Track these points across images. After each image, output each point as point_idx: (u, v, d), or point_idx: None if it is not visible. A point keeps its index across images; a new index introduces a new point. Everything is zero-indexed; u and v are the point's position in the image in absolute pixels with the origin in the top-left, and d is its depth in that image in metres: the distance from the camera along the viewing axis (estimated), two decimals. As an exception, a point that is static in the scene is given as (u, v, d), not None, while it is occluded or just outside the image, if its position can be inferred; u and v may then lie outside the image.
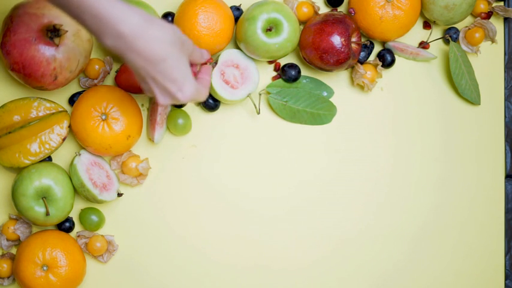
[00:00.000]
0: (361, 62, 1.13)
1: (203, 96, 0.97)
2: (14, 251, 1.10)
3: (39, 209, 1.04)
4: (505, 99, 1.16)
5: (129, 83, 1.08)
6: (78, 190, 1.07)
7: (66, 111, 1.08)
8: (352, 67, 1.13)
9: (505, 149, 1.16)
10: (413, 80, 1.15)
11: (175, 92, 0.91)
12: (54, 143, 1.07)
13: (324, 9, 1.14)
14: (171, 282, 1.12)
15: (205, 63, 1.02)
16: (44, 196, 1.05)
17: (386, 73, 1.14)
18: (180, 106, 1.11)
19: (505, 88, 1.17)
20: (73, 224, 1.10)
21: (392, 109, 1.15)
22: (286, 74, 1.11)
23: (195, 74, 1.00)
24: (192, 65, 0.99)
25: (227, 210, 1.13)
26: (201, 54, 0.98)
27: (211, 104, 1.11)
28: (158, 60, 0.87)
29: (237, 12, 1.11)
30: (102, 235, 1.10)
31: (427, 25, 1.15)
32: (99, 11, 0.83)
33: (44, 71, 1.02)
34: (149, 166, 1.09)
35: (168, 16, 1.10)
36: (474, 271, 1.15)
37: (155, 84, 0.91)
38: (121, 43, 0.85)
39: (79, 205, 1.11)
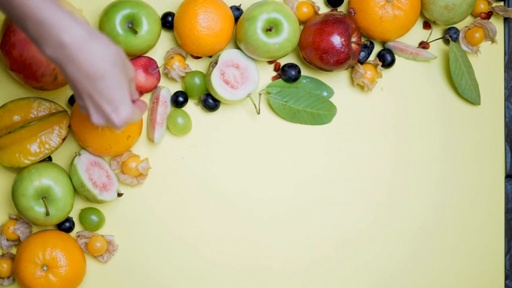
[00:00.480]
0: (361, 62, 1.13)
1: (136, 121, 0.93)
2: (14, 251, 1.10)
3: (39, 209, 1.04)
4: (505, 99, 1.16)
5: (129, 83, 1.09)
6: (78, 190, 1.07)
7: (66, 111, 1.08)
8: (352, 67, 1.13)
9: (505, 149, 1.16)
10: (413, 80, 1.15)
11: (109, 113, 0.88)
12: (54, 143, 1.07)
13: (324, 9, 1.14)
14: (171, 283, 1.12)
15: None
16: (44, 196, 1.05)
17: (386, 73, 1.14)
18: (181, 106, 1.11)
19: (505, 88, 1.17)
20: (73, 224, 1.10)
21: (392, 109, 1.15)
22: (286, 74, 1.11)
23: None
24: None
25: (227, 210, 1.13)
26: (135, 89, 0.94)
27: (211, 104, 1.11)
28: (97, 76, 0.84)
29: (237, 12, 1.11)
30: (102, 235, 1.10)
31: (427, 25, 1.15)
32: (42, 17, 0.80)
33: (44, 71, 1.02)
34: (149, 166, 1.09)
35: (168, 16, 1.10)
36: (474, 271, 1.15)
37: (91, 102, 0.87)
38: (61, 54, 0.82)
39: (79, 205, 1.11)
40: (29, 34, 0.83)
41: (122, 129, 0.92)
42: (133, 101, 0.94)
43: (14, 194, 1.05)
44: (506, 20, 1.16)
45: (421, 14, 1.14)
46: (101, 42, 0.84)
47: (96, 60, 0.83)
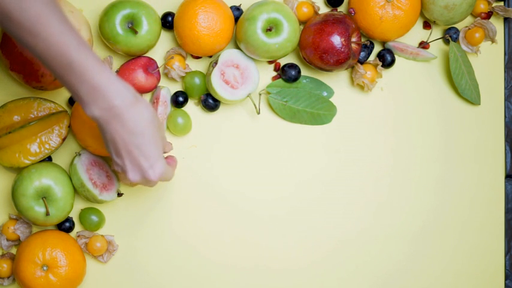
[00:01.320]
0: (361, 62, 1.13)
1: (170, 178, 1.00)
2: (14, 251, 1.10)
3: (39, 209, 1.04)
4: (505, 99, 1.16)
5: (129, 83, 1.08)
6: (78, 190, 1.07)
7: (66, 111, 1.08)
8: (352, 67, 1.13)
9: (505, 149, 1.16)
10: (413, 80, 1.15)
11: (146, 169, 0.95)
12: (54, 143, 1.07)
13: (324, 9, 1.14)
14: (171, 283, 1.12)
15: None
16: (44, 196, 1.05)
17: (386, 73, 1.14)
18: (181, 106, 1.11)
19: (505, 88, 1.17)
20: (73, 224, 1.10)
21: (392, 109, 1.15)
22: (286, 74, 1.11)
23: None
24: None
25: (227, 210, 1.13)
26: (168, 144, 1.02)
27: (211, 104, 1.11)
28: (138, 133, 0.92)
29: (237, 12, 1.11)
30: (102, 235, 1.10)
31: (427, 25, 1.15)
32: (98, 83, 0.88)
33: (44, 71, 1.02)
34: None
35: (168, 16, 1.10)
36: (474, 271, 1.15)
37: (129, 158, 0.94)
38: (109, 114, 0.90)
39: (79, 205, 1.11)
40: (78, 95, 0.89)
41: (153, 186, 0.99)
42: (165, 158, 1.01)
43: (14, 194, 1.05)
44: (506, 20, 1.16)
45: (421, 14, 1.14)
46: (143, 104, 0.92)
47: (139, 118, 0.92)
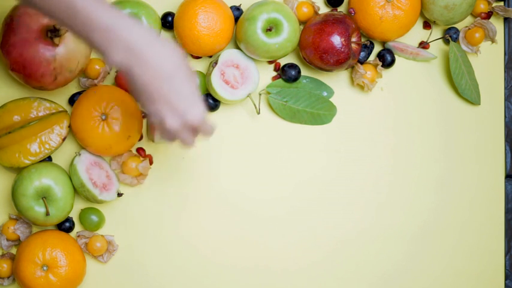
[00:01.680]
0: (361, 62, 1.13)
1: (211, 131, 0.92)
2: (14, 251, 1.10)
3: (39, 209, 1.04)
4: (505, 99, 1.16)
5: (129, 83, 1.08)
6: (78, 190, 1.07)
7: (66, 111, 1.08)
8: (352, 67, 1.13)
9: (505, 149, 1.16)
10: (413, 80, 1.15)
11: (185, 110, 0.87)
12: (54, 143, 1.07)
13: (324, 9, 1.14)
14: (171, 283, 1.12)
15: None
16: (44, 196, 1.05)
17: (386, 73, 1.14)
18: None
19: (505, 88, 1.17)
20: (73, 224, 1.10)
21: (393, 109, 1.15)
22: (286, 74, 1.11)
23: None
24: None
25: (227, 210, 1.13)
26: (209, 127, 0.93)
27: (211, 104, 1.11)
28: (168, 75, 0.85)
29: (237, 12, 1.11)
30: (102, 235, 1.10)
31: (427, 25, 1.15)
32: (108, 24, 0.82)
33: (44, 71, 1.02)
34: (149, 166, 1.09)
35: (168, 16, 1.10)
36: (474, 271, 1.15)
37: (164, 102, 0.87)
38: (130, 56, 0.83)
39: (79, 205, 1.11)
40: (96, 45, 0.84)
41: (189, 143, 0.90)
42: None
43: (14, 194, 1.05)
44: (506, 20, 1.16)
45: (421, 14, 1.14)
46: (166, 44, 0.85)
47: (164, 60, 0.85)
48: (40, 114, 1.06)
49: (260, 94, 1.12)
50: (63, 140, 1.07)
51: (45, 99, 1.07)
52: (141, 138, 1.11)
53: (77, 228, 1.11)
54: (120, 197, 1.10)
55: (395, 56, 1.14)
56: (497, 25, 1.16)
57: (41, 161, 1.07)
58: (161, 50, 0.85)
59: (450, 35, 1.14)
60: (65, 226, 1.09)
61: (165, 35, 1.12)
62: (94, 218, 1.09)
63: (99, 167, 1.08)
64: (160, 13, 1.11)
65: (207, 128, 0.91)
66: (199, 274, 1.12)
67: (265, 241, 1.13)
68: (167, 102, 0.87)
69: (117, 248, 1.10)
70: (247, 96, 1.09)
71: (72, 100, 1.10)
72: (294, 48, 1.09)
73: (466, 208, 1.15)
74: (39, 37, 1.00)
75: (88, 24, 0.82)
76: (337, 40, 1.06)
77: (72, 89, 1.11)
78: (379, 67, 1.12)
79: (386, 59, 1.13)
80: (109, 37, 0.83)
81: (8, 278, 1.09)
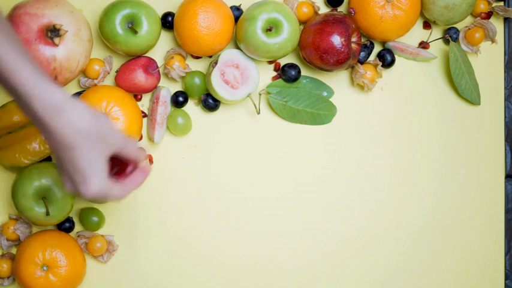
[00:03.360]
0: (361, 62, 1.13)
1: (117, 196, 0.89)
2: (14, 251, 1.10)
3: (39, 209, 1.04)
4: (505, 99, 1.16)
5: (129, 83, 1.09)
6: (78, 190, 1.07)
7: (66, 111, 1.08)
8: (352, 67, 1.13)
9: (505, 149, 1.16)
10: (413, 80, 1.15)
11: (78, 183, 0.85)
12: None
13: (324, 9, 1.14)
14: (171, 283, 1.12)
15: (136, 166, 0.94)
16: (44, 196, 1.05)
17: (386, 73, 1.14)
18: (181, 106, 1.11)
19: (505, 88, 1.17)
20: (73, 224, 1.10)
21: (393, 109, 1.15)
22: (286, 74, 1.11)
23: (126, 173, 0.93)
24: (126, 164, 0.93)
25: (227, 210, 1.13)
26: (136, 151, 0.91)
27: (211, 104, 1.11)
28: (67, 146, 0.83)
29: (237, 12, 1.11)
30: (102, 235, 1.10)
31: (427, 25, 1.15)
32: (24, 91, 0.80)
33: (44, 71, 1.02)
34: (149, 166, 1.09)
35: (168, 16, 1.10)
36: (474, 271, 1.15)
37: (63, 172, 0.86)
38: (35, 122, 0.82)
39: (79, 205, 1.11)
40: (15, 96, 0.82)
41: (101, 201, 0.89)
42: (132, 170, 0.91)
43: (14, 194, 1.05)
44: (506, 20, 1.16)
45: (421, 14, 1.14)
46: (73, 111, 0.82)
47: (66, 130, 0.82)
48: (40, 114, 1.06)
49: (260, 94, 1.12)
50: (63, 140, 1.07)
51: (45, 99, 1.07)
52: (141, 138, 1.11)
53: (77, 228, 1.11)
54: (120, 197, 1.10)
55: (395, 56, 1.14)
56: (497, 25, 1.16)
57: (41, 161, 1.07)
58: (65, 118, 0.82)
59: (450, 35, 1.14)
60: (65, 226, 1.09)
61: (165, 35, 1.12)
62: (94, 218, 1.09)
63: (99, 167, 1.08)
64: (160, 13, 1.11)
65: (112, 197, 0.88)
66: (199, 274, 1.12)
67: (265, 241, 1.13)
68: (64, 171, 0.86)
69: (117, 248, 1.10)
70: (247, 96, 1.09)
71: (72, 100, 1.10)
72: (294, 48, 1.09)
73: (466, 208, 1.15)
74: (39, 37, 1.01)
75: (10, 81, 0.80)
76: (337, 40, 1.06)
77: (72, 89, 1.11)
78: (379, 67, 1.12)
79: (386, 59, 1.13)
80: (21, 101, 0.81)
81: (8, 278, 1.09)
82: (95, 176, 0.85)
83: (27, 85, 0.80)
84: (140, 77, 1.09)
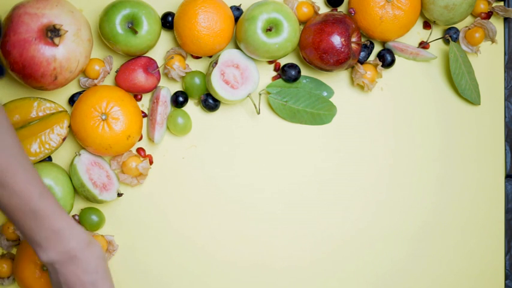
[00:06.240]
0: (361, 62, 1.13)
1: None
2: (14, 251, 1.10)
3: (39, 209, 1.04)
4: (505, 99, 1.16)
5: (129, 83, 1.09)
6: (78, 190, 1.07)
7: (66, 111, 1.08)
8: (352, 67, 1.13)
9: (505, 149, 1.16)
10: (413, 80, 1.15)
11: None
12: (54, 143, 1.07)
13: (324, 9, 1.14)
14: (171, 282, 1.12)
15: None
16: (44, 196, 1.04)
17: (386, 73, 1.14)
18: (181, 106, 1.11)
19: (505, 88, 1.17)
20: (73, 224, 1.10)
21: (392, 109, 1.15)
22: (286, 74, 1.11)
23: None
24: None
25: (227, 209, 1.13)
26: None
27: (211, 104, 1.11)
28: (93, 271, 0.95)
29: (237, 12, 1.11)
30: (102, 235, 1.10)
31: (427, 25, 1.15)
32: (56, 226, 0.92)
33: (44, 71, 1.02)
34: (149, 166, 1.09)
35: (168, 16, 1.10)
36: (474, 271, 1.15)
37: None
38: (66, 257, 0.93)
39: (79, 205, 1.11)
40: (36, 241, 0.92)
41: None
42: None
43: (14, 194, 1.05)
44: (506, 20, 1.16)
45: (421, 14, 1.14)
46: (96, 244, 0.96)
47: (92, 257, 0.95)
48: (40, 114, 1.06)
49: (260, 94, 1.12)
50: (63, 140, 1.07)
51: (45, 99, 1.07)
52: (141, 138, 1.11)
53: (77, 228, 1.11)
54: (120, 197, 1.10)
55: (395, 56, 1.14)
56: (497, 25, 1.16)
57: (41, 161, 1.07)
58: (91, 249, 0.95)
59: (450, 35, 1.14)
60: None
61: (165, 35, 1.12)
62: (94, 218, 1.09)
63: (99, 167, 1.08)
64: (160, 13, 1.11)
65: None
66: (199, 274, 1.12)
67: (265, 241, 1.13)
68: None
69: (117, 248, 1.10)
70: (247, 96, 1.09)
71: (72, 100, 1.10)
72: (294, 48, 1.09)
73: (466, 208, 1.15)
74: (39, 37, 1.01)
75: (40, 223, 0.91)
76: (337, 40, 1.06)
77: (72, 89, 1.11)
78: (379, 67, 1.12)
79: (386, 59, 1.13)
80: (55, 239, 0.92)
81: (8, 278, 1.09)
82: None
83: (67, 226, 0.93)
84: (140, 77, 1.09)
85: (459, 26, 1.15)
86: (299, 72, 1.12)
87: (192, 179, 1.12)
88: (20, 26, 1.01)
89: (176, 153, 1.12)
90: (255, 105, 1.09)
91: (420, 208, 1.15)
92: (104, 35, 1.06)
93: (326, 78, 1.14)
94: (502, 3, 1.16)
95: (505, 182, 1.16)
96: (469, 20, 1.16)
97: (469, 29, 1.14)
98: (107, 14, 1.05)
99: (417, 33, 1.15)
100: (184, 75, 1.10)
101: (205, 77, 1.10)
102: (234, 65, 1.09)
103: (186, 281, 1.12)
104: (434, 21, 1.13)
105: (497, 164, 1.16)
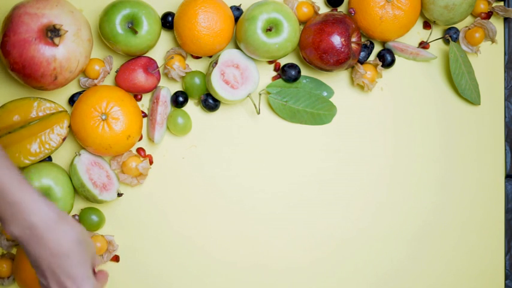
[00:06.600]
0: (361, 62, 1.13)
1: None
2: (14, 251, 1.10)
3: (39, 209, 1.04)
4: (505, 99, 1.16)
5: (129, 83, 1.09)
6: (78, 190, 1.07)
7: (66, 111, 1.08)
8: (352, 67, 1.13)
9: (505, 149, 1.16)
10: (413, 80, 1.15)
11: None
12: (54, 143, 1.07)
13: (324, 9, 1.14)
14: (171, 282, 1.12)
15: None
16: (44, 196, 1.04)
17: (386, 73, 1.14)
18: (181, 106, 1.11)
19: (505, 88, 1.17)
20: (73, 223, 1.10)
21: (392, 109, 1.15)
22: (286, 74, 1.11)
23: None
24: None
25: (227, 209, 1.13)
26: (96, 261, 0.96)
27: (211, 104, 1.11)
28: (62, 254, 0.88)
29: (237, 12, 1.11)
30: (102, 235, 1.10)
31: (427, 25, 1.15)
32: (16, 199, 0.85)
33: (44, 71, 1.02)
34: (149, 166, 1.09)
35: (168, 16, 1.10)
36: (474, 271, 1.15)
37: (53, 279, 0.89)
38: (29, 233, 0.87)
39: (79, 205, 1.11)
40: None
41: None
42: (95, 273, 0.95)
43: (14, 194, 1.05)
44: (506, 20, 1.16)
45: (421, 14, 1.14)
46: (67, 223, 0.88)
47: (63, 239, 0.88)
48: (40, 114, 1.06)
49: (260, 94, 1.12)
50: (63, 140, 1.07)
51: (45, 99, 1.07)
52: (141, 138, 1.11)
53: (77, 228, 1.11)
54: (120, 197, 1.10)
55: (395, 56, 1.14)
56: (497, 25, 1.16)
57: (41, 161, 1.07)
58: (61, 230, 0.88)
59: (450, 35, 1.14)
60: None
61: (165, 35, 1.12)
62: (94, 218, 1.09)
63: (99, 167, 1.08)
64: (160, 13, 1.11)
65: None
66: (199, 274, 1.12)
67: (265, 241, 1.13)
68: (57, 280, 0.89)
69: (117, 248, 1.11)
70: (247, 96, 1.09)
71: (72, 100, 1.10)
72: (294, 48, 1.09)
73: (466, 208, 1.15)
74: (39, 37, 1.01)
75: (6, 198, 0.85)
76: (337, 40, 1.06)
77: (72, 89, 1.11)
78: (379, 67, 1.12)
79: (386, 59, 1.13)
80: (14, 211, 0.86)
81: (8, 278, 1.09)
82: (87, 281, 0.90)
83: (27, 199, 0.86)
84: (140, 77, 1.09)
85: (459, 26, 1.15)
86: (299, 72, 1.12)
87: (192, 179, 1.12)
88: (20, 26, 1.01)
89: (176, 153, 1.12)
90: (255, 105, 1.09)
91: (420, 208, 1.15)
92: (104, 35, 1.06)
93: (326, 78, 1.14)
94: (502, 3, 1.16)
95: (505, 182, 1.16)
96: (469, 20, 1.16)
97: (469, 29, 1.14)
98: (107, 14, 1.05)
99: (417, 33, 1.15)
100: (184, 75, 1.10)
101: (205, 77, 1.10)
102: (234, 65, 1.09)
103: (186, 280, 1.12)
104: (434, 21, 1.13)
105: (497, 164, 1.16)
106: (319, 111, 1.12)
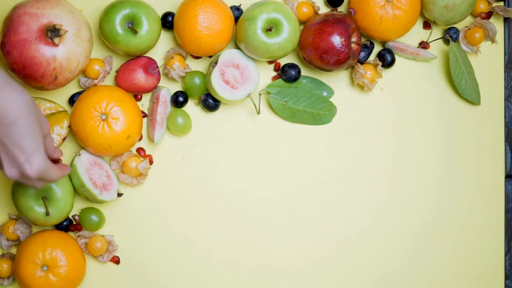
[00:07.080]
0: (361, 62, 1.13)
1: (54, 178, 0.89)
2: (14, 251, 1.10)
3: (39, 209, 1.04)
4: (505, 99, 1.16)
5: (129, 83, 1.09)
6: (78, 190, 1.07)
7: (66, 111, 1.08)
8: (352, 67, 1.13)
9: (505, 149, 1.16)
10: (413, 80, 1.15)
11: (22, 162, 0.85)
12: (54, 143, 1.07)
13: (324, 9, 1.14)
14: (171, 282, 1.12)
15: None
16: (44, 196, 1.05)
17: (386, 73, 1.14)
18: (181, 106, 1.11)
19: (505, 88, 1.17)
20: (70, 222, 1.10)
21: (393, 109, 1.15)
22: (286, 74, 1.11)
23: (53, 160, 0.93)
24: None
25: (227, 210, 1.13)
26: (54, 145, 0.92)
27: (211, 104, 1.11)
28: (10, 121, 0.82)
29: (237, 12, 1.11)
30: (102, 235, 1.10)
31: (427, 25, 1.15)
32: None
33: (44, 71, 1.02)
34: (149, 166, 1.09)
35: (168, 16, 1.10)
36: (474, 271, 1.15)
37: (3, 151, 0.85)
38: None
39: (79, 205, 1.11)
40: None
41: (38, 187, 0.89)
42: (56, 161, 0.90)
43: (14, 194, 1.05)
44: (506, 20, 1.16)
45: (421, 14, 1.14)
46: (14, 90, 0.83)
47: (10, 105, 0.82)
48: (40, 114, 1.06)
49: (260, 94, 1.12)
50: (63, 140, 1.07)
51: (45, 99, 1.07)
52: (141, 138, 1.11)
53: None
54: (120, 197, 1.10)
55: (395, 56, 1.14)
56: (497, 25, 1.16)
57: (41, 161, 1.07)
58: (7, 96, 0.82)
59: (450, 35, 1.14)
60: (62, 226, 1.09)
61: (165, 35, 1.12)
62: (94, 218, 1.09)
63: (99, 167, 1.08)
64: (160, 13, 1.11)
65: (51, 176, 0.89)
66: (199, 273, 1.12)
67: (265, 241, 1.13)
68: (7, 151, 0.85)
69: (117, 248, 1.11)
70: (247, 96, 1.09)
71: (72, 100, 1.10)
72: (294, 48, 1.09)
73: (466, 208, 1.15)
74: (39, 37, 1.01)
75: None
76: (337, 40, 1.06)
77: (72, 89, 1.11)
78: (379, 67, 1.12)
79: (386, 59, 1.13)
80: None
81: (8, 278, 1.09)
82: (38, 153, 0.85)
83: None
84: (140, 77, 1.09)
85: (459, 26, 1.15)
86: (299, 72, 1.12)
87: (192, 179, 1.12)
88: (20, 26, 1.01)
89: (176, 153, 1.12)
90: (255, 105, 1.09)
91: (420, 208, 1.15)
92: (104, 35, 1.06)
93: (326, 78, 1.14)
94: (502, 3, 1.16)
95: (505, 182, 1.16)
96: (469, 20, 1.16)
97: (469, 29, 1.14)
98: (107, 14, 1.05)
99: (417, 33, 1.15)
100: (184, 75, 1.10)
101: (205, 77, 1.10)
102: (234, 65, 1.09)
103: (186, 281, 1.12)
104: (434, 21, 1.13)
105: (497, 164, 1.16)
106: (319, 111, 1.12)
